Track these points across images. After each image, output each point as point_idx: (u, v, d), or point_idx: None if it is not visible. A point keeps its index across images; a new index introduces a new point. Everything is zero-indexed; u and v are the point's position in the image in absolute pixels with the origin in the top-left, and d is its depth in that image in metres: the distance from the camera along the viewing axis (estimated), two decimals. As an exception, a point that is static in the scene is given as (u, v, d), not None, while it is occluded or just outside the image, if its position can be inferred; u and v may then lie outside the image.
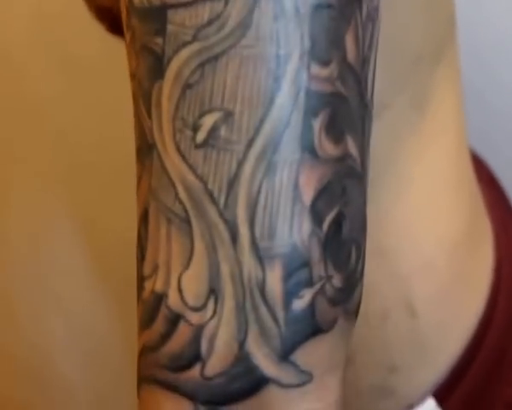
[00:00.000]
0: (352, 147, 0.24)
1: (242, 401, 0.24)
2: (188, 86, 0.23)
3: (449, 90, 0.39)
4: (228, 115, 0.23)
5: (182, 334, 0.24)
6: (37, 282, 0.41)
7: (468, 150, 0.42)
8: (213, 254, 0.23)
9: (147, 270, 0.24)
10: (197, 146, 0.23)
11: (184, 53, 0.23)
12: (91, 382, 0.44)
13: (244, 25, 0.23)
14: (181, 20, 0.23)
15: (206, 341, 0.23)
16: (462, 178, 0.41)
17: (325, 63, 0.23)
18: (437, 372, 0.39)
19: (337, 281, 0.24)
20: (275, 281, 0.23)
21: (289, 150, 0.23)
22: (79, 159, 0.39)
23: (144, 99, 0.24)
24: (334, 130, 0.23)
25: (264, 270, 0.23)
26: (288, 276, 0.23)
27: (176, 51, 0.23)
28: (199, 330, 0.23)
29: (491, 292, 0.40)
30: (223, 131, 0.23)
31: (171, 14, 0.23)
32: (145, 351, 0.24)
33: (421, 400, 0.39)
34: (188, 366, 0.24)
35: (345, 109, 0.24)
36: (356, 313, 0.25)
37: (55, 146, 0.40)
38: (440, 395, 0.39)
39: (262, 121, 0.23)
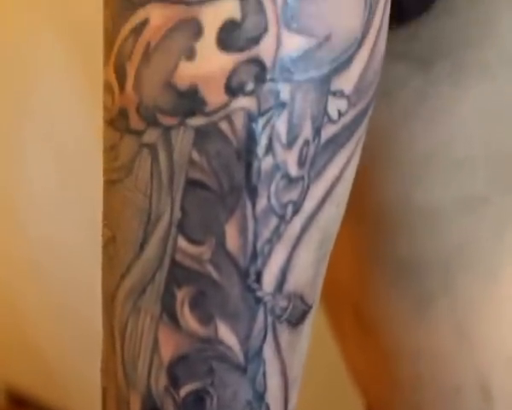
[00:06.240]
0: (226, 335, 0.23)
1: None
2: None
3: None
4: (113, 239, 0.24)
5: None
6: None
7: None
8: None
9: None
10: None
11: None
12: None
13: (127, 168, 0.23)
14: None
15: None
16: None
17: (195, 242, 0.22)
18: None
19: None
20: None
21: (151, 303, 0.23)
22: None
23: None
24: (201, 310, 0.23)
25: (128, 392, 0.24)
26: None
27: None
28: None
29: None
30: (111, 249, 0.24)
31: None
32: None
33: None
34: None
35: (217, 295, 0.23)
36: None
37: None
38: None
39: (132, 264, 0.23)
